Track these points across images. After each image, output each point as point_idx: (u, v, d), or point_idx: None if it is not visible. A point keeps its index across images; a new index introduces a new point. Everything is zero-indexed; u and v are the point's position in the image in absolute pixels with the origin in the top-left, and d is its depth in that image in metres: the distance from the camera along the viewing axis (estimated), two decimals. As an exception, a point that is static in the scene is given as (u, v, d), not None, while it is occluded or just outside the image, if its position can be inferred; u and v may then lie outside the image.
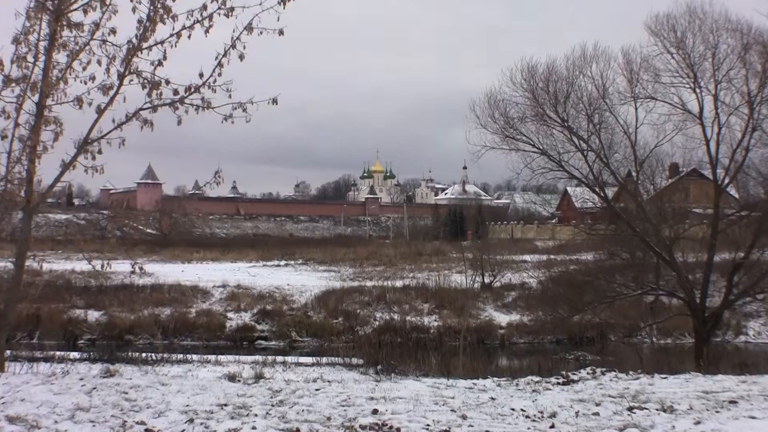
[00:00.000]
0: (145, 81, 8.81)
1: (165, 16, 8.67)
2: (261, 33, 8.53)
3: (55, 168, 9.17)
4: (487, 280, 34.23)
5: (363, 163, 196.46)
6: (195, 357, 16.35)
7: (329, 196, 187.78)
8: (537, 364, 15.66)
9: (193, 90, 8.80)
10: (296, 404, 8.05)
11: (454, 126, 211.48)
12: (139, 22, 8.75)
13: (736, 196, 21.88)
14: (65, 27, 8.88)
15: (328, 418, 7.32)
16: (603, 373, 11.51)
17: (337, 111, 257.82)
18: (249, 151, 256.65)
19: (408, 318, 28.44)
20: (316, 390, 9.23)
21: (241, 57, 8.66)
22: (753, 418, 7.59)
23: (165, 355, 15.85)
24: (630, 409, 8.12)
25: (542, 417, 7.74)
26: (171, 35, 8.70)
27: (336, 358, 15.86)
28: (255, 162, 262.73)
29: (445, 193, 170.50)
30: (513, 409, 8.11)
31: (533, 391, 9.82)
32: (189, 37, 8.68)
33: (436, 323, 28.53)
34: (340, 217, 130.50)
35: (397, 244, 68.14)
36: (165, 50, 8.74)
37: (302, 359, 17.09)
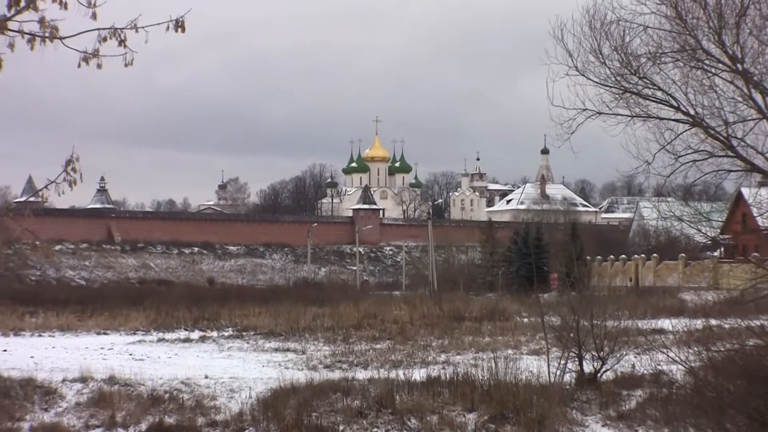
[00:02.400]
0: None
1: None
2: None
3: None
4: (588, 368, 34.17)
5: (349, 144, 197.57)
6: None
7: (284, 206, 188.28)
8: None
9: (24, 4, 8.86)
10: None
11: (524, 71, 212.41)
12: None
13: None
14: None
15: None
16: None
17: (299, 43, 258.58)
18: (131, 123, 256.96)
19: (437, 441, 28.47)
20: None
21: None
22: None
23: None
24: None
25: None
26: None
27: None
28: (143, 143, 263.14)
29: (508, 201, 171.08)
30: None
31: None
32: None
33: (490, 451, 28.56)
34: (305, 246, 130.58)
35: (415, 298, 67.83)
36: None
37: None
